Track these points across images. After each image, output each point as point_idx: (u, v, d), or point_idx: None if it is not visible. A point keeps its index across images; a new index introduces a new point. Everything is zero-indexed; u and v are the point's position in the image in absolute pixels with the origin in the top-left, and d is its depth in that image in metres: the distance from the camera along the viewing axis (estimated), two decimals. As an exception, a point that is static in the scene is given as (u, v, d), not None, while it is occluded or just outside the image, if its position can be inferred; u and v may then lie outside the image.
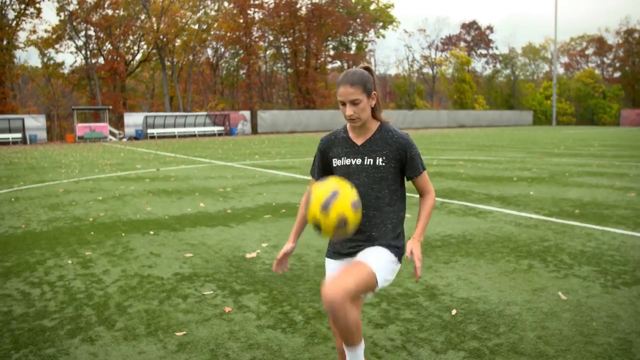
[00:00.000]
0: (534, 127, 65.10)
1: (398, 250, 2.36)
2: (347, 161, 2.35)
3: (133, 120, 42.70)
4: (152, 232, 6.72)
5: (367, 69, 2.31)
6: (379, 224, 2.32)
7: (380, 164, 2.29)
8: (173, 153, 23.14)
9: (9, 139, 36.66)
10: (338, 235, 2.14)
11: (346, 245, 2.39)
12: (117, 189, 11.05)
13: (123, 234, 6.64)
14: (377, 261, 2.24)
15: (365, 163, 2.31)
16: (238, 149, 25.62)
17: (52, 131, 45.29)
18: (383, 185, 2.30)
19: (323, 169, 2.48)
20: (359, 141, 2.34)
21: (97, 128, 40.15)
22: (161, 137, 42.48)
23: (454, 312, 3.81)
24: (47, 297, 4.31)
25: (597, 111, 74.85)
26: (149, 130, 41.93)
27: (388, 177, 2.30)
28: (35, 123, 39.14)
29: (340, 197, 2.08)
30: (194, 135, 44.08)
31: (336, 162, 2.39)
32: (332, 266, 2.47)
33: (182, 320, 3.76)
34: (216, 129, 45.74)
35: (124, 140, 41.08)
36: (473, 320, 3.66)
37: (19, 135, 37.21)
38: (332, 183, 2.14)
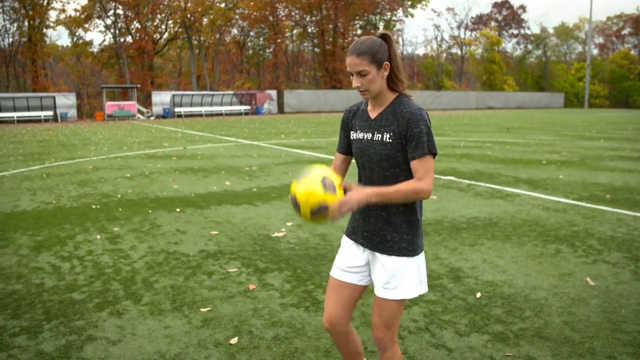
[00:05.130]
0: (565, 109, 63.61)
1: (413, 245, 2.15)
2: (361, 135, 2.20)
3: (161, 98, 43.09)
4: (178, 210, 6.80)
5: (384, 36, 2.12)
6: (389, 205, 2.13)
7: (387, 140, 2.10)
8: (200, 132, 23.32)
9: (40, 116, 37.43)
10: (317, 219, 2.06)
11: (361, 228, 2.24)
12: (145, 166, 11.21)
13: (150, 211, 6.74)
14: (402, 286, 2.14)
15: (374, 138, 2.14)
16: (264, 128, 25.68)
17: (82, 109, 45.98)
18: (391, 164, 2.11)
19: (346, 143, 2.34)
20: (373, 114, 2.19)
21: (125, 106, 40.62)
22: (188, 115, 42.82)
23: (478, 295, 3.78)
24: (76, 270, 4.42)
25: (632, 94, 72.61)
26: (176, 109, 42.29)
27: (396, 155, 2.09)
28: (66, 101, 39.84)
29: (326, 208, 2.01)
30: (221, 114, 44.31)
31: (352, 135, 2.27)
32: (345, 247, 2.33)
33: (206, 297, 3.81)
34: (242, 108, 45.87)
35: (152, 118, 41.54)
36: (498, 303, 3.63)
37: (51, 113, 37.95)
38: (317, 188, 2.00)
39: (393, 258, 2.15)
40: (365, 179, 2.23)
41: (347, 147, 2.34)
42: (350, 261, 2.29)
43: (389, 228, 2.15)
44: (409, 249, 2.14)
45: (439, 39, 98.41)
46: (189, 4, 52.92)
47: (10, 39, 52.54)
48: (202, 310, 3.57)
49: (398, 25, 71.67)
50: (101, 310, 3.58)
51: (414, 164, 2.05)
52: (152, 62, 57.42)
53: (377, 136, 2.14)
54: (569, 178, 9.12)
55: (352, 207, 1.96)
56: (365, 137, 2.19)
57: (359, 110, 2.29)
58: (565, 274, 4.22)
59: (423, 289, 2.21)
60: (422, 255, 2.20)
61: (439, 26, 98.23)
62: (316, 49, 63.94)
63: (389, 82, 2.15)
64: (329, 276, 2.36)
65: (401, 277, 2.14)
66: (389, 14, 68.58)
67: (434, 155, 2.08)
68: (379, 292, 2.18)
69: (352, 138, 2.27)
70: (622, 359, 2.87)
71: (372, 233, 2.20)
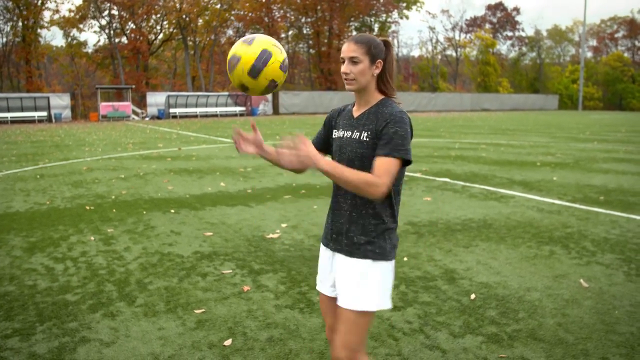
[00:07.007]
0: (559, 111, 63.87)
1: (381, 249, 2.05)
2: (341, 133, 2.18)
3: (155, 99, 42.98)
4: (172, 211, 6.78)
5: (385, 41, 2.13)
6: (360, 205, 2.07)
7: (364, 139, 2.06)
8: (195, 133, 23.27)
9: (34, 117, 37.25)
10: (267, 93, 2.19)
11: (330, 229, 2.19)
12: (139, 167, 11.17)
13: (144, 212, 6.72)
14: (361, 295, 2.03)
15: (353, 136, 2.11)
16: (259, 129, 25.49)
17: (77, 110, 45.77)
18: (365, 163, 2.03)
19: (323, 140, 2.31)
20: (356, 114, 2.16)
21: (120, 107, 40.47)
22: (183, 116, 42.70)
23: (472, 296, 3.78)
24: (70, 272, 4.40)
25: (625, 96, 72.99)
26: (171, 110, 42.18)
27: (372, 154, 2.02)
28: (60, 102, 39.66)
29: (270, 62, 2.09)
30: (216, 115, 44.23)
31: (334, 134, 2.24)
32: (321, 256, 2.29)
33: (201, 298, 3.80)
34: (238, 109, 45.81)
35: (147, 119, 41.42)
36: (492, 305, 3.63)
37: (45, 113, 37.78)
38: (261, 45, 2.09)
39: (355, 260, 2.07)
40: None
41: (321, 145, 2.31)
42: (324, 272, 2.25)
43: (357, 230, 2.08)
44: (375, 252, 2.05)
45: (434, 40, 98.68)
46: (184, 5, 52.84)
47: (4, 39, 52.28)
48: (196, 311, 3.56)
49: (393, 27, 71.75)
50: (95, 312, 3.57)
51: (376, 161, 1.96)
52: (147, 63, 57.24)
53: (356, 134, 2.11)
54: (563, 180, 9.15)
55: (305, 155, 1.84)
56: (345, 134, 2.16)
57: (345, 110, 2.28)
58: (559, 275, 4.23)
59: (384, 303, 2.07)
60: (388, 265, 2.08)
61: (433, 28, 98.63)
62: (311, 51, 63.98)
63: (380, 84, 2.14)
64: None
65: (362, 285, 2.03)
66: (384, 15, 68.68)
67: (405, 162, 1.99)
68: (339, 300, 2.09)
69: (333, 137, 2.25)
70: (616, 360, 2.88)
71: (339, 234, 2.14)
